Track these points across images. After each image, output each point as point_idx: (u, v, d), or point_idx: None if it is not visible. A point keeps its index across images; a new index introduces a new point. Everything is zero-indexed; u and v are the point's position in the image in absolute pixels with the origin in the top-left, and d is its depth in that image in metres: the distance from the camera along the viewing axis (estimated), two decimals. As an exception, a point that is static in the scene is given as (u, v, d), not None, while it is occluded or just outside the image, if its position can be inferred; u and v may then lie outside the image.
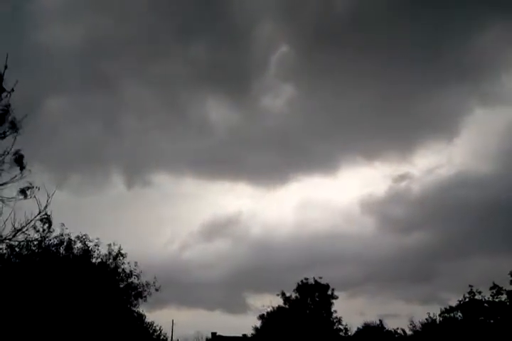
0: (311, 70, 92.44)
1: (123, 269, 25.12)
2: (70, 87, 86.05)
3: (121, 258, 24.97)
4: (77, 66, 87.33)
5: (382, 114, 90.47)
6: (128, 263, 25.33)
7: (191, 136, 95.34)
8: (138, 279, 25.48)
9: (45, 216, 14.18)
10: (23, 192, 10.99)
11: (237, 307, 69.40)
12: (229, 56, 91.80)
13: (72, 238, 23.80)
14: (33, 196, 11.11)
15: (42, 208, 13.67)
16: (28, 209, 13.96)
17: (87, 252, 23.92)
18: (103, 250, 24.83)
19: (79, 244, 23.94)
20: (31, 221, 14.03)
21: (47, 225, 14.53)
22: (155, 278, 26.06)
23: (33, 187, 11.22)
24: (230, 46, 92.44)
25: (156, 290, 25.97)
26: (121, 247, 25.22)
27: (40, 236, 20.44)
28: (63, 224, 23.26)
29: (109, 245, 25.01)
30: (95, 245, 24.40)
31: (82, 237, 24.08)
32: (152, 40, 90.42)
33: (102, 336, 21.62)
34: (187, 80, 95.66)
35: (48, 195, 13.30)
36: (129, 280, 25.28)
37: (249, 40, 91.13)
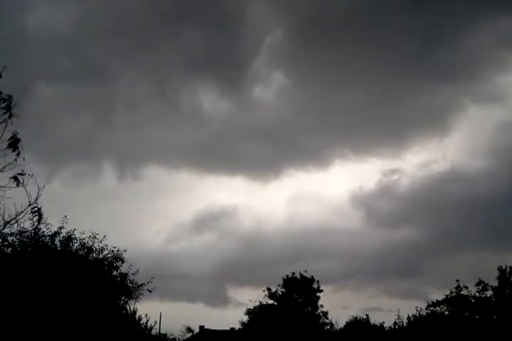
0: (305, 61, 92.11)
1: (118, 270, 24.81)
2: (60, 75, 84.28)
3: (119, 261, 24.63)
4: (66, 54, 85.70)
5: (374, 110, 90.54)
6: (129, 265, 25.01)
7: (184, 128, 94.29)
8: (132, 282, 25.15)
9: (36, 208, 13.92)
10: (15, 178, 10.62)
11: (219, 300, 69.49)
12: (221, 43, 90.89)
13: (70, 231, 23.49)
14: (25, 184, 10.80)
15: (32, 200, 13.43)
16: (18, 200, 13.70)
17: (86, 248, 23.60)
18: (104, 249, 24.48)
19: (76, 238, 23.60)
20: (21, 213, 13.76)
21: (37, 217, 14.27)
22: (151, 278, 25.68)
23: (26, 173, 10.86)
24: (221, 33, 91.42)
25: (149, 291, 25.64)
26: (124, 251, 24.82)
27: (33, 228, 20.18)
28: (66, 217, 23.04)
29: (111, 246, 24.63)
30: (100, 241, 24.07)
31: (90, 235, 23.79)
32: (142, 27, 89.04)
33: (93, 332, 21.44)
34: (179, 69, 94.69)
35: (38, 187, 13.06)
36: (123, 281, 24.93)
37: (242, 27, 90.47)
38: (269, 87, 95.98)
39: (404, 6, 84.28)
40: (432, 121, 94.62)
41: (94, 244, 23.71)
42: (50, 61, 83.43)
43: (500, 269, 35.03)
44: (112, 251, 24.16)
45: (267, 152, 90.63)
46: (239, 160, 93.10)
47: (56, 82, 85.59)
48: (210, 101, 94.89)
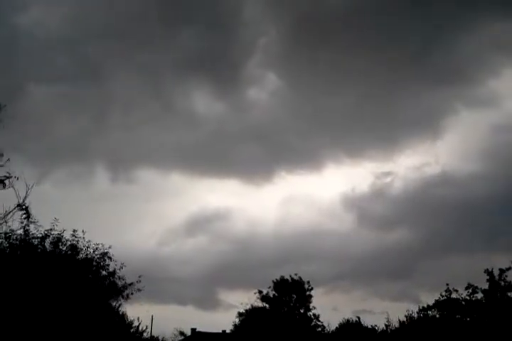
0: (299, 63, 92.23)
1: (107, 268, 24.69)
2: (55, 75, 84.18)
3: (106, 259, 24.51)
4: (61, 54, 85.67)
5: (368, 112, 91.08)
6: (114, 261, 24.88)
7: (177, 129, 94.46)
8: (122, 280, 25.08)
9: (24, 208, 13.87)
10: (1, 181, 10.66)
11: (210, 302, 69.50)
12: (216, 44, 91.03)
13: (60, 233, 23.30)
14: (11, 186, 10.82)
15: (21, 200, 13.38)
16: (7, 203, 13.64)
17: (74, 248, 23.43)
18: (89, 246, 24.30)
19: (67, 240, 23.42)
20: (9, 213, 13.72)
21: (25, 217, 14.23)
22: (139, 277, 25.64)
23: (12, 176, 10.91)
24: (216, 33, 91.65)
25: (139, 290, 25.64)
26: (108, 248, 24.72)
27: (22, 229, 20.05)
28: (56, 219, 22.91)
29: (94, 243, 24.44)
30: (87, 242, 23.93)
31: (73, 234, 23.60)
32: (137, 27, 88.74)
33: (84, 335, 21.26)
34: (174, 70, 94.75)
35: (27, 186, 13.01)
36: (112, 280, 24.84)
37: (237, 28, 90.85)
38: (264, 88, 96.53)
39: (400, 8, 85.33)
40: (425, 124, 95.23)
41: (79, 243, 23.59)
42: (45, 61, 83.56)
43: (487, 271, 35.11)
44: (97, 248, 24.05)
45: (260, 154, 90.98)
46: (232, 163, 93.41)
47: (50, 82, 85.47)
48: (204, 102, 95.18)
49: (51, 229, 22.58)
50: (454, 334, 34.77)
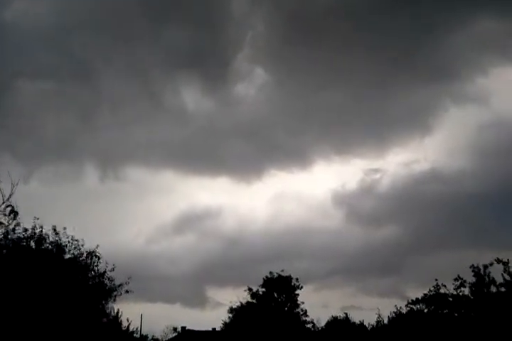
0: (288, 59, 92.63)
1: (97, 269, 24.54)
2: (41, 72, 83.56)
3: (95, 258, 24.33)
4: (50, 51, 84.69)
5: (357, 109, 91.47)
6: (106, 262, 24.74)
7: (167, 127, 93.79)
8: (111, 280, 24.97)
9: (9, 206, 13.76)
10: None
11: (197, 300, 69.35)
12: (204, 41, 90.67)
13: (45, 231, 23.05)
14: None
15: (5, 198, 13.26)
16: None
17: (59, 247, 23.17)
18: (75, 245, 24.07)
19: (51, 238, 23.16)
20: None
21: (12, 215, 14.08)
22: (129, 278, 25.53)
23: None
24: (204, 30, 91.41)
25: (127, 291, 25.52)
26: (96, 247, 24.57)
27: (5, 227, 19.84)
28: (36, 218, 22.61)
29: (77, 240, 24.16)
30: (72, 240, 23.67)
31: (56, 231, 23.32)
32: (126, 24, 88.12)
33: (70, 332, 21.11)
34: (162, 67, 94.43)
35: (12, 185, 12.91)
36: (101, 280, 24.68)
37: (225, 25, 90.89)
38: (252, 83, 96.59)
39: (387, 7, 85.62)
40: (414, 122, 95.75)
41: (64, 241, 23.35)
42: (32, 58, 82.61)
43: (472, 267, 35.55)
44: (85, 248, 23.85)
45: (249, 152, 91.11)
46: (222, 160, 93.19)
47: (39, 79, 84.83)
48: (193, 99, 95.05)
49: (33, 228, 22.30)
50: (442, 328, 35.16)
